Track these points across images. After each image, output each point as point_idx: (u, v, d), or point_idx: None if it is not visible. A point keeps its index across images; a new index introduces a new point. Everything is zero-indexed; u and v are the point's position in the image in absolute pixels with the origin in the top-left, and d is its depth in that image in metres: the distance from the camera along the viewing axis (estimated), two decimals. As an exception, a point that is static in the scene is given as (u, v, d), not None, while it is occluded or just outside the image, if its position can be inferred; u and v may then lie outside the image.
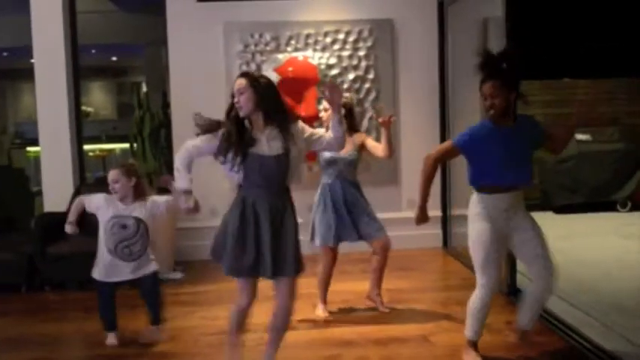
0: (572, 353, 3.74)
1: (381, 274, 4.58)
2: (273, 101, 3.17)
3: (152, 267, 4.07)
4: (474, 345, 3.64)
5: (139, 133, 7.19)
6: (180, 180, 3.20)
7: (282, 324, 3.34)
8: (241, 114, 3.14)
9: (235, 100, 3.15)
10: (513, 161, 3.42)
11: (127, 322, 4.12)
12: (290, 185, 3.26)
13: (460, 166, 6.12)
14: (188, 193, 3.20)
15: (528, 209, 3.60)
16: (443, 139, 6.59)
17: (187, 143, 3.23)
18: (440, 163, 3.68)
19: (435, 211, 6.57)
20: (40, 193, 6.48)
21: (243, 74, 3.25)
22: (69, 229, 4.02)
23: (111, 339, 4.10)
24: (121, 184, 3.96)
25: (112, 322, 4.11)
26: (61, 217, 5.73)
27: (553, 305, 4.42)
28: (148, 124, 7.09)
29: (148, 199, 4.03)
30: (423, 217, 3.61)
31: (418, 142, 6.63)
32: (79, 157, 6.41)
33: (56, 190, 6.09)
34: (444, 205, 6.65)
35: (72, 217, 4.03)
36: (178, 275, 5.77)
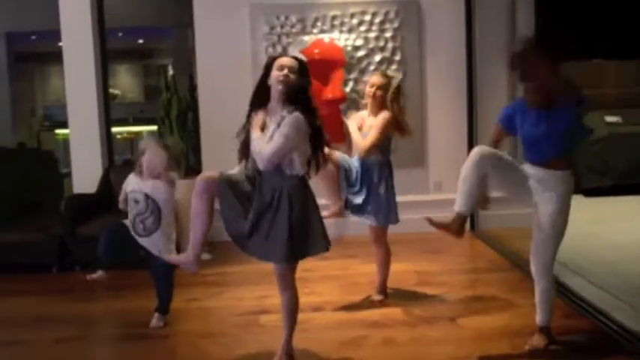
0: (602, 336, 3.70)
1: (380, 267, 4.48)
2: (302, 96, 3.15)
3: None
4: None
5: (167, 116, 7.21)
6: None
7: (286, 302, 3.33)
8: (280, 87, 3.13)
9: (284, 72, 3.14)
10: (539, 141, 3.38)
11: (153, 302, 4.16)
12: (304, 173, 3.19)
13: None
14: None
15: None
16: (470, 121, 6.54)
17: None
18: (495, 145, 3.61)
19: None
20: (69, 174, 6.58)
21: (296, 59, 3.24)
22: (120, 206, 4.09)
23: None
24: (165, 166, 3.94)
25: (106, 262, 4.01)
26: (90, 199, 5.86)
27: (582, 288, 4.39)
28: (175, 107, 7.10)
29: (166, 178, 3.95)
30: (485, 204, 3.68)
31: (445, 124, 6.59)
32: (108, 139, 6.48)
33: (85, 172, 6.19)
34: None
35: (121, 197, 4.08)
36: (207, 256, 5.77)
